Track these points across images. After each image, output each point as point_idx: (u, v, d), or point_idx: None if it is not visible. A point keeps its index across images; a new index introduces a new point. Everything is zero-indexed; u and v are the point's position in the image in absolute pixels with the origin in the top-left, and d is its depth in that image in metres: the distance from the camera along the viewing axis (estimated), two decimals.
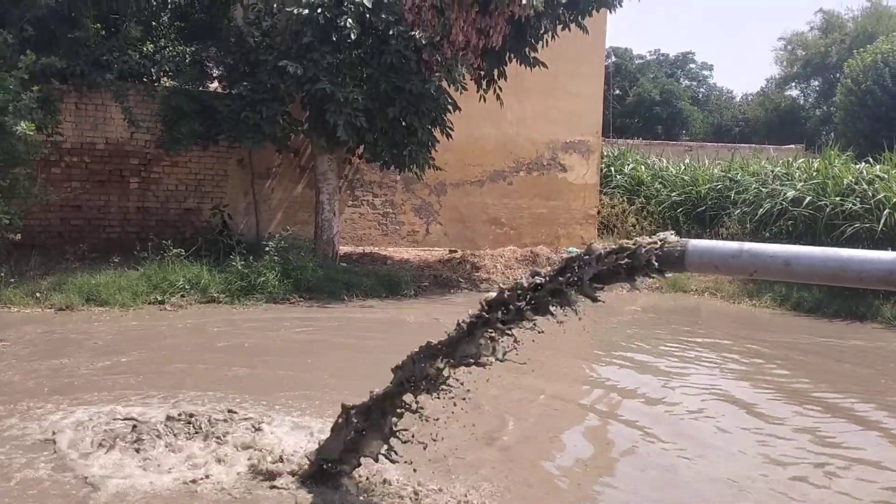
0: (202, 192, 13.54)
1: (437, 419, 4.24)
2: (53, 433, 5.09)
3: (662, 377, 7.72)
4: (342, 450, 4.33)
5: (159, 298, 10.17)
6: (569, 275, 3.60)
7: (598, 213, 17.35)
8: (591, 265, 3.46)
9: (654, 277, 3.42)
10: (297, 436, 5.19)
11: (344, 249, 13.81)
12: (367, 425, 4.28)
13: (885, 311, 11.22)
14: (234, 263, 10.98)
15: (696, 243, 3.38)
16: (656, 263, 3.40)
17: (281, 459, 4.63)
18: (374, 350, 8.03)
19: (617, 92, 44.34)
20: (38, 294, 9.76)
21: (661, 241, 3.40)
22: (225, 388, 6.38)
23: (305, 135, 12.76)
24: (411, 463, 4.37)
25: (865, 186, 12.92)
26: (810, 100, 46.03)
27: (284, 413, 5.78)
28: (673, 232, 3.56)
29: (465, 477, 4.69)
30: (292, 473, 4.47)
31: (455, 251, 15.11)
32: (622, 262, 3.40)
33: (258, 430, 5.26)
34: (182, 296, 10.34)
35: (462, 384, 4.09)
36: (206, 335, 8.64)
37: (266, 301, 10.66)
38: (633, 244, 3.42)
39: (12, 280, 9.91)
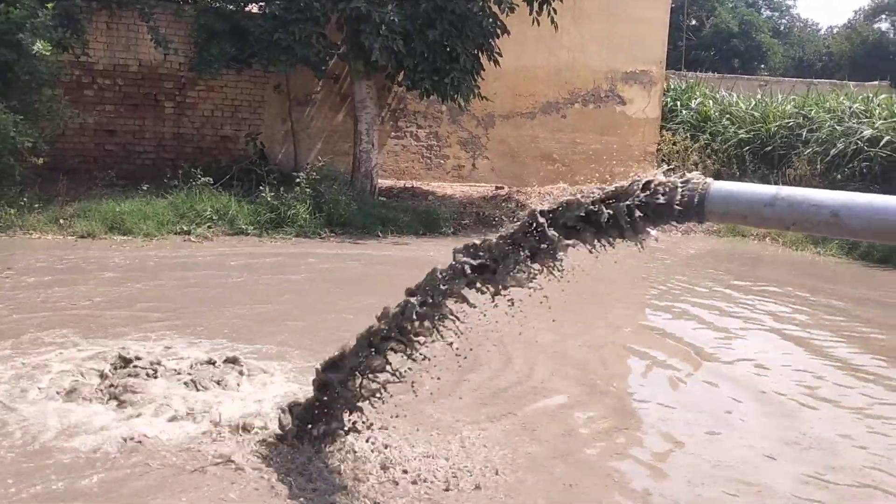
0: (239, 119, 13.06)
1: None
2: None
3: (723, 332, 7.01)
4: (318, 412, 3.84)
5: (185, 229, 9.85)
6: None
7: (658, 150, 16.27)
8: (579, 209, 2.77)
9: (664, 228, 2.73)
10: (283, 388, 4.72)
11: (385, 183, 13.24)
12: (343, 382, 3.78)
13: None
14: (263, 194, 10.54)
15: (720, 186, 2.68)
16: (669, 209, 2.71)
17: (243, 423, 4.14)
18: (392, 289, 7.48)
19: (693, 22, 42.02)
20: (61, 221, 9.49)
21: (674, 181, 2.70)
22: (221, 329, 5.94)
23: (341, 58, 12.10)
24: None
25: None
26: None
27: (278, 360, 5.30)
28: (701, 173, 2.85)
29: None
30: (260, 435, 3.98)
31: (501, 187, 14.37)
32: (621, 207, 2.70)
33: (245, 376, 4.83)
34: (209, 227, 10.01)
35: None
36: (222, 269, 8.21)
37: (296, 235, 10.30)
38: (632, 184, 2.72)
39: (37, 206, 9.65)
